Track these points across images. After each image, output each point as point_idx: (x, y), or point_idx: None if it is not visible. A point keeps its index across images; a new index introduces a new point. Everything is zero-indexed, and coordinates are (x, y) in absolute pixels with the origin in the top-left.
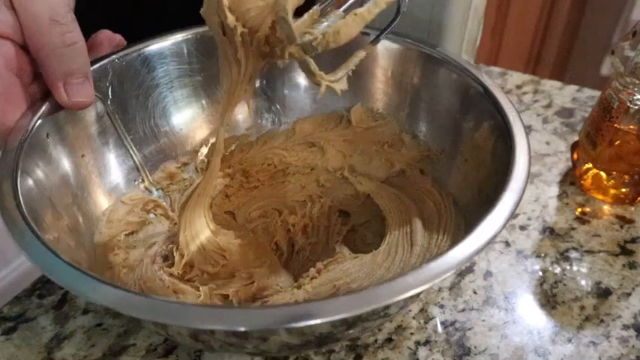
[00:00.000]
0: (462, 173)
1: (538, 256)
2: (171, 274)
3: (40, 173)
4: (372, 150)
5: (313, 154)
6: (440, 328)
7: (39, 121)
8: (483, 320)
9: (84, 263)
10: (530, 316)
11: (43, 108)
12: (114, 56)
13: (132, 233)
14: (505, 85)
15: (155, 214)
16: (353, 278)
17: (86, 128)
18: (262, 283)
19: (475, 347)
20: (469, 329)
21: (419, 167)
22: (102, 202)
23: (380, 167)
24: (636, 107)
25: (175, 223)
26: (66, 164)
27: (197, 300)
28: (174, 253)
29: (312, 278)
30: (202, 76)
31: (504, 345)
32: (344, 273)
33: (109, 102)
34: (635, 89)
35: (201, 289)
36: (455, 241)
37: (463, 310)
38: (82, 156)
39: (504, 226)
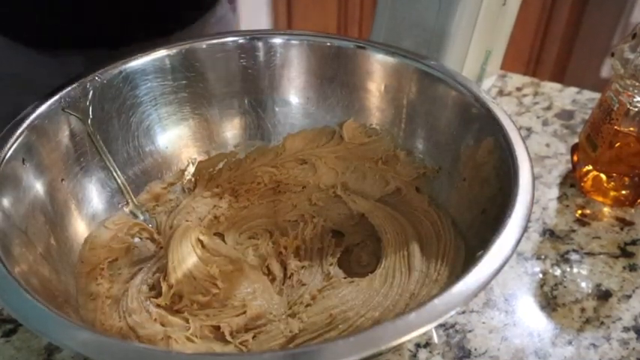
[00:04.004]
0: (460, 193)
1: (538, 258)
2: (158, 305)
3: (10, 203)
4: (365, 167)
5: (304, 172)
6: (440, 331)
7: (13, 149)
8: (483, 322)
9: (61, 295)
10: (530, 318)
11: (16, 134)
12: (94, 74)
13: (116, 260)
14: (505, 87)
15: (140, 238)
16: (350, 306)
17: (65, 151)
18: (255, 312)
19: (475, 349)
20: (469, 331)
21: (415, 185)
22: (82, 228)
23: (374, 185)
24: (636, 109)
25: (162, 247)
26: (41, 190)
27: (186, 332)
28: (162, 283)
29: (306, 305)
30: (188, 92)
31: (505, 347)
32: (340, 300)
33: (89, 122)
34: (635, 91)
35: (190, 321)
36: (455, 265)
37: (463, 312)
38: (62, 180)
39: (512, 254)
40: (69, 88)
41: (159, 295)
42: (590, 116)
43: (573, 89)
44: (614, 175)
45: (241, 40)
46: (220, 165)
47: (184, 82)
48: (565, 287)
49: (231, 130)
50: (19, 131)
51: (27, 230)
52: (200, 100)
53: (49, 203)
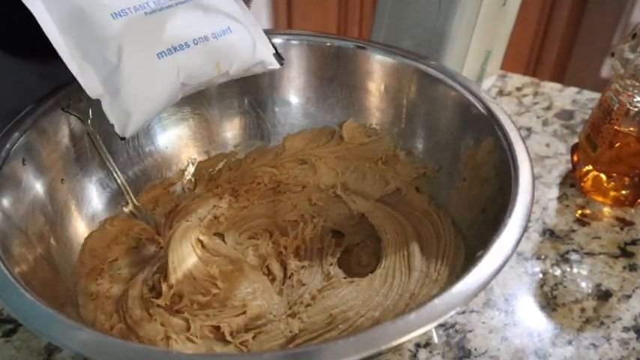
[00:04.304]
0: (460, 193)
1: (538, 258)
2: (158, 305)
3: (10, 204)
4: (365, 167)
5: (304, 172)
6: (440, 331)
7: (13, 149)
8: (483, 322)
9: (61, 296)
10: (530, 318)
11: (16, 134)
12: None
13: (116, 260)
14: (505, 87)
15: (140, 238)
16: (350, 306)
17: (65, 151)
18: (255, 312)
19: (475, 349)
20: (469, 331)
21: (415, 185)
22: (82, 228)
23: (374, 185)
24: (636, 109)
25: (162, 247)
26: (41, 191)
27: (186, 333)
28: (162, 283)
29: (306, 305)
30: None
31: (505, 347)
32: (340, 300)
33: (89, 122)
34: (635, 91)
35: (190, 321)
36: (455, 265)
37: (463, 312)
38: (62, 180)
39: (512, 254)
40: (69, 88)
41: (159, 295)
42: (590, 116)
43: (573, 89)
44: (614, 175)
45: None
46: (220, 165)
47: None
48: (565, 287)
49: (231, 130)
50: (19, 131)
51: (27, 230)
52: (200, 100)
53: (49, 203)
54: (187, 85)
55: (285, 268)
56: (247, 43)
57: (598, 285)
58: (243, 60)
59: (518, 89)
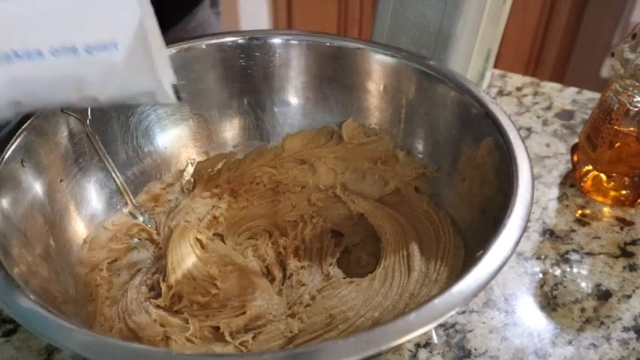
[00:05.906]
0: (460, 192)
1: (538, 258)
2: (157, 306)
3: (9, 204)
4: (364, 167)
5: (304, 172)
6: (440, 331)
7: (12, 150)
8: (483, 322)
9: (60, 296)
10: (530, 318)
11: (15, 135)
12: None
13: (115, 261)
14: (505, 87)
15: (139, 239)
16: (349, 306)
17: (64, 151)
18: (255, 312)
19: (475, 349)
20: (469, 331)
21: (414, 185)
22: (81, 228)
23: (373, 185)
24: (636, 109)
25: (161, 248)
26: (40, 191)
27: (186, 333)
28: (161, 284)
29: (306, 306)
30: (187, 93)
31: (505, 347)
32: (340, 300)
33: (88, 123)
34: (635, 91)
35: (190, 321)
36: (454, 265)
37: (463, 312)
38: (60, 181)
39: (511, 255)
40: None
41: (158, 295)
42: (590, 116)
43: (573, 89)
44: (614, 175)
45: (241, 40)
46: (219, 165)
47: (183, 82)
48: (565, 287)
49: (231, 131)
50: (18, 132)
51: (26, 231)
52: (199, 101)
53: (48, 204)
54: (25, 105)
55: (284, 268)
56: (137, 67)
57: (598, 285)
58: (125, 87)
59: (519, 89)
